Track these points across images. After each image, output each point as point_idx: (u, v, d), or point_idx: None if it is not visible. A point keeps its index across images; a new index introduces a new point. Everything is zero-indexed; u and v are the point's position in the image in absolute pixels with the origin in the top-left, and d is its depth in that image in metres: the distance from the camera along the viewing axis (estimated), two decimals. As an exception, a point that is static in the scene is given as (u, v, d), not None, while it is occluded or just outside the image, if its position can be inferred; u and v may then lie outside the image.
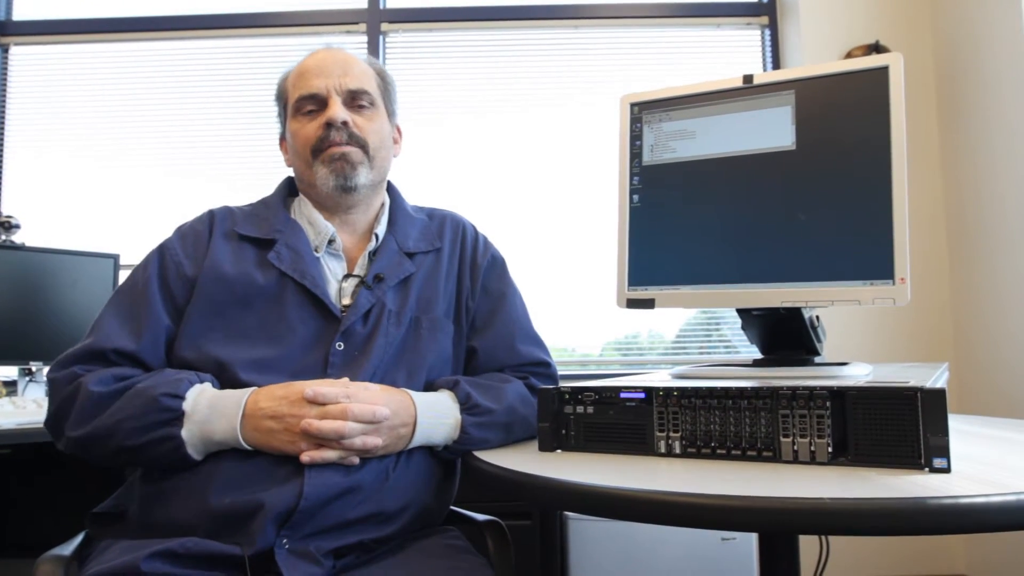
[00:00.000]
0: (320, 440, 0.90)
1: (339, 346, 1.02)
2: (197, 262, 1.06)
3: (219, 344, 1.00)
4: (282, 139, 1.21)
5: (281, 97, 1.19)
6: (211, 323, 1.02)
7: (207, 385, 0.96)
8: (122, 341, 0.99)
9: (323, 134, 1.10)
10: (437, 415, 1.00)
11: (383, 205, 1.20)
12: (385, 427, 0.94)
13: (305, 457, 0.90)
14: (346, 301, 1.08)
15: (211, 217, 1.13)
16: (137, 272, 1.07)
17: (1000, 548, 2.24)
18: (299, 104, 1.12)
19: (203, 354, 1.00)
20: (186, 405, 0.91)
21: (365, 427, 0.92)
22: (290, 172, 1.22)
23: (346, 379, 0.97)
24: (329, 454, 0.90)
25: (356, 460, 0.93)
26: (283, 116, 1.19)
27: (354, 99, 1.13)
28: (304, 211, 1.15)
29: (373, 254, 1.13)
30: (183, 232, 1.11)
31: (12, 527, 2.17)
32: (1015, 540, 2.13)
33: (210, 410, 0.92)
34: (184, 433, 0.91)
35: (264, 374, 0.98)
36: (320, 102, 1.12)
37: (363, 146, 1.12)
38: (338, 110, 1.10)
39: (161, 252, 1.08)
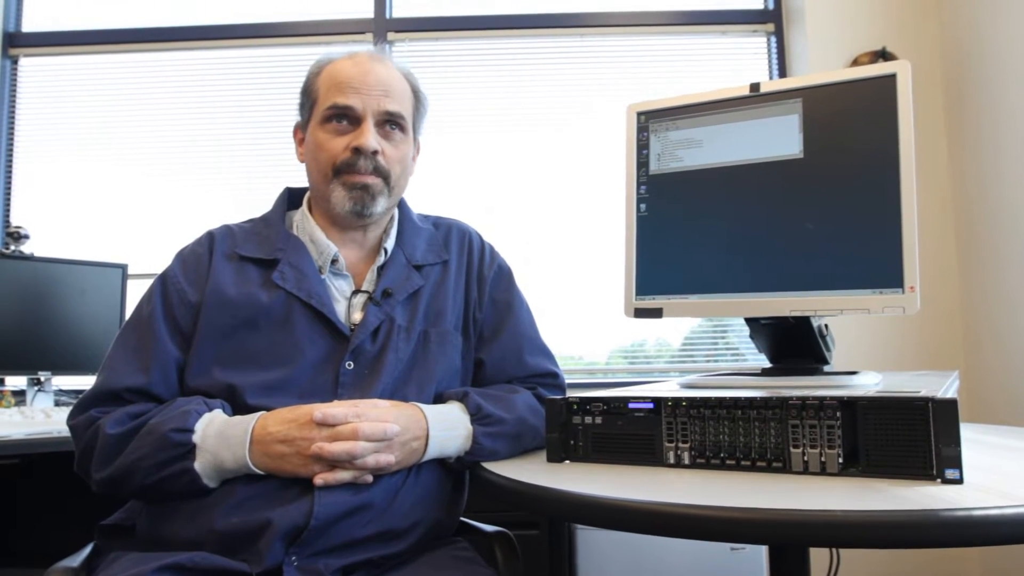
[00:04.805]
0: (333, 462, 0.90)
1: (349, 365, 1.02)
2: (199, 287, 1.05)
3: (228, 369, 1.00)
4: (297, 129, 1.17)
5: (309, 92, 1.12)
6: (218, 348, 1.01)
7: (217, 413, 0.95)
8: (132, 378, 0.99)
9: (349, 158, 1.07)
10: (449, 427, 0.99)
11: (392, 218, 1.18)
12: (397, 443, 0.93)
13: (319, 480, 0.89)
14: (356, 317, 1.06)
15: (210, 239, 1.11)
16: (142, 304, 1.07)
17: (1015, 559, 2.21)
18: (330, 113, 1.08)
19: (214, 380, 0.99)
20: (196, 438, 0.91)
21: (377, 445, 0.91)
22: (299, 166, 1.17)
23: (355, 400, 0.96)
24: (343, 475, 0.90)
25: (370, 478, 0.93)
26: (306, 111, 1.13)
27: (387, 121, 1.09)
28: (306, 227, 1.12)
29: (381, 268, 1.12)
30: (184, 257, 1.10)
31: (20, 536, 2.18)
32: (1029, 550, 2.10)
33: (218, 440, 0.91)
34: (197, 466, 0.91)
35: (274, 397, 0.97)
36: (353, 119, 1.07)
37: (386, 177, 1.09)
38: (370, 138, 1.06)
39: (163, 281, 1.07)
